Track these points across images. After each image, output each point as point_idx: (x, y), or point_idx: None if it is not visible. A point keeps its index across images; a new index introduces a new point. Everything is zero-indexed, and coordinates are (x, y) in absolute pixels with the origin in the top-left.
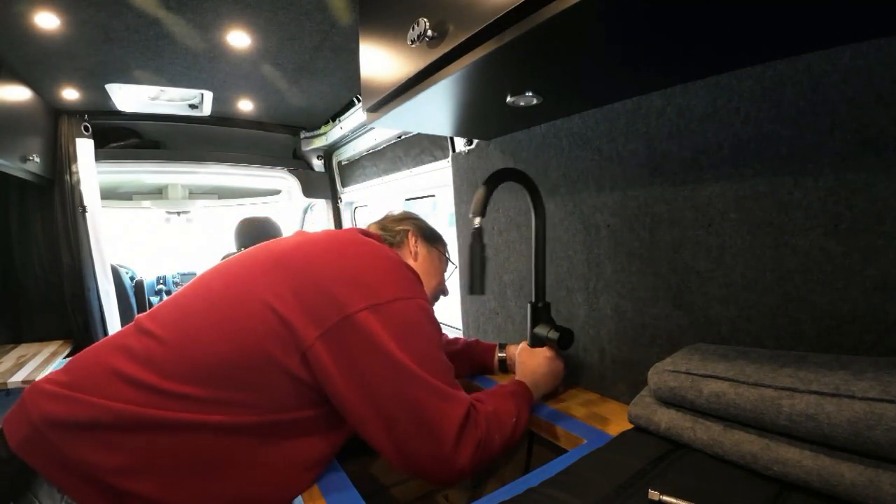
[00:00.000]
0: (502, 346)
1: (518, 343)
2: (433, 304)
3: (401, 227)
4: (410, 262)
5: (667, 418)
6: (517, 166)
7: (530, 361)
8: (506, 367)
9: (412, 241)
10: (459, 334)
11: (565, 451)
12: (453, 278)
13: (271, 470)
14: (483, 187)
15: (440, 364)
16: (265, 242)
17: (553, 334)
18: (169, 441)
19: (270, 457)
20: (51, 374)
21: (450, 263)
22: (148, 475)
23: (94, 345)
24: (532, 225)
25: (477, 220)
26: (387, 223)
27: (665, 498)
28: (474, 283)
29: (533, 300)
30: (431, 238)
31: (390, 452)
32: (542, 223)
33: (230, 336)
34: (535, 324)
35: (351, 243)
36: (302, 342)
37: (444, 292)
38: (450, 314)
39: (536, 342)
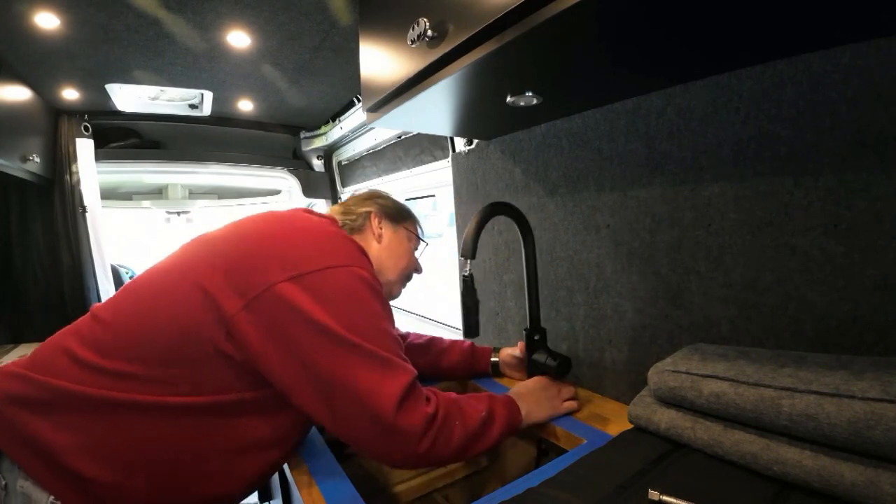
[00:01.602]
0: (496, 350)
1: (513, 345)
2: (404, 285)
3: (363, 209)
4: (374, 244)
5: (667, 418)
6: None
7: (530, 383)
8: (499, 371)
9: (375, 222)
10: (459, 334)
11: (565, 451)
12: (451, 268)
13: (222, 452)
14: (472, 224)
15: (379, 332)
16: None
17: (551, 361)
18: (118, 422)
19: (220, 439)
20: (20, 358)
21: (421, 242)
22: (102, 458)
23: (59, 331)
24: (522, 256)
25: (467, 266)
26: (349, 205)
27: (665, 498)
28: (470, 328)
29: (527, 328)
30: (397, 217)
31: (331, 426)
32: (531, 253)
33: (164, 315)
34: (531, 351)
35: (286, 220)
36: (225, 315)
37: (417, 270)
38: (450, 314)
39: (534, 369)
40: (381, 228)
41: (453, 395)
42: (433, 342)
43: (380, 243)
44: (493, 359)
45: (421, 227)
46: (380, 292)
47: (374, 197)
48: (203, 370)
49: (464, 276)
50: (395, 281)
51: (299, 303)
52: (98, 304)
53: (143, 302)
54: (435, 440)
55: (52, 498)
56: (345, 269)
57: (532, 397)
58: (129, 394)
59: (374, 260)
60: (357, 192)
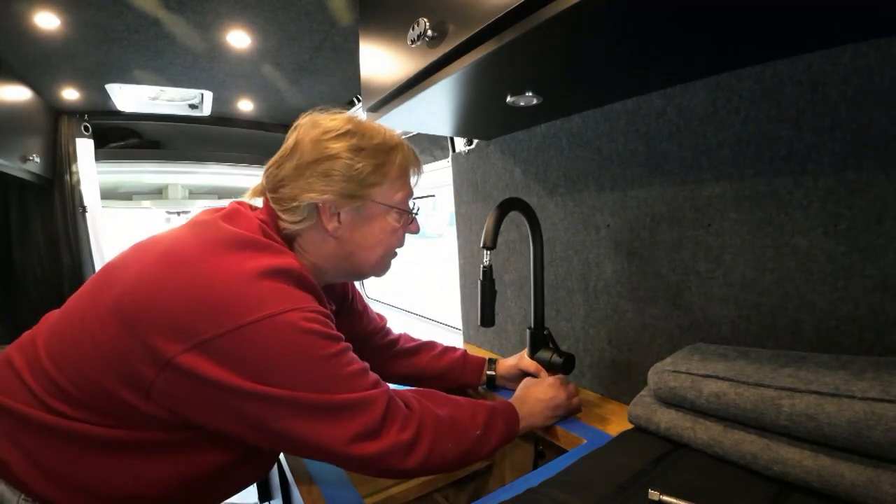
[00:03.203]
0: (492, 363)
1: (514, 346)
2: (387, 265)
3: (306, 196)
4: (330, 243)
5: (667, 418)
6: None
7: (533, 387)
8: (494, 384)
9: (325, 216)
10: (459, 335)
11: (565, 451)
12: (449, 273)
13: (169, 485)
14: (493, 214)
15: (325, 375)
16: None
17: (557, 359)
18: (64, 448)
19: (162, 473)
20: None
21: (402, 213)
22: (51, 479)
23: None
24: (530, 253)
25: (486, 257)
26: (287, 184)
27: (665, 498)
28: (485, 318)
29: (532, 327)
30: (362, 185)
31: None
32: (539, 250)
33: (77, 353)
34: (535, 350)
35: (188, 263)
36: (144, 381)
37: (399, 244)
38: (450, 314)
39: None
40: (334, 220)
41: (449, 403)
42: (423, 347)
43: (337, 238)
44: (488, 372)
45: (415, 169)
46: (317, 329)
47: (325, 157)
48: (122, 408)
49: (483, 267)
50: (371, 267)
51: (210, 374)
52: (52, 311)
53: (62, 324)
54: (426, 457)
55: (22, 496)
56: (266, 321)
57: (539, 406)
58: (63, 420)
59: (333, 259)
60: (301, 139)
